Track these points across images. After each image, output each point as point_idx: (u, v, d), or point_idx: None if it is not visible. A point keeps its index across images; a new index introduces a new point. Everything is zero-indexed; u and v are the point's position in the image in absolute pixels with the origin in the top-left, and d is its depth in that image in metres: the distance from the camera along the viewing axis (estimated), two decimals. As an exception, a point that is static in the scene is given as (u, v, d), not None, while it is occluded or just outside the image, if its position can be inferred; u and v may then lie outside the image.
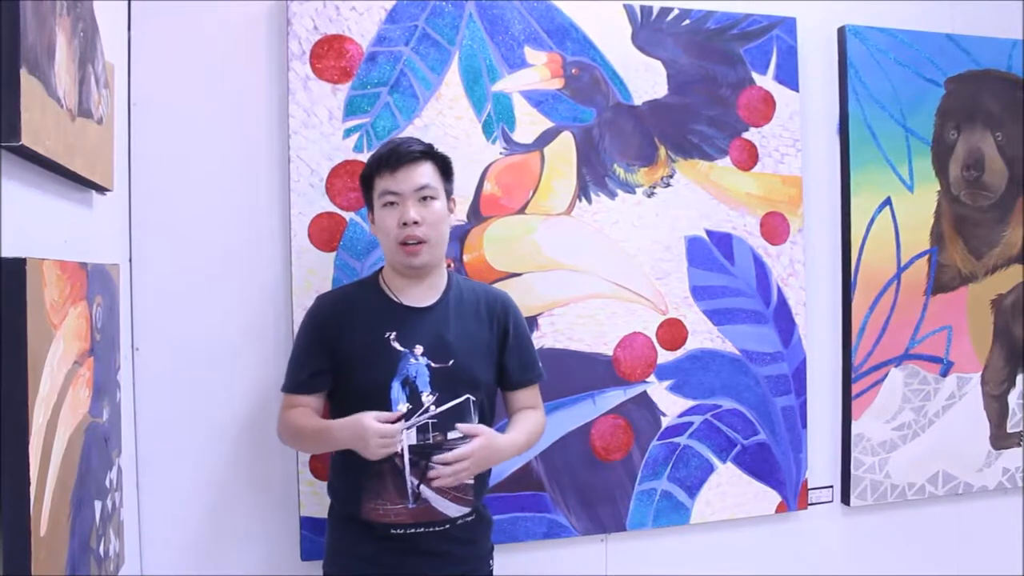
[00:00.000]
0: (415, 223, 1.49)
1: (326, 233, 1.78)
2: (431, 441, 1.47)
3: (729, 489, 2.08)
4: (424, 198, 1.51)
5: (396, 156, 1.51)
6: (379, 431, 1.40)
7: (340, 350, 1.52)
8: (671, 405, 2.03)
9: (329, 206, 1.78)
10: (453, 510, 1.50)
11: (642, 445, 2.01)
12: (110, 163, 1.38)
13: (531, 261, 1.91)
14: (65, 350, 1.01)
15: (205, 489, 1.75)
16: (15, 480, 0.86)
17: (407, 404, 1.48)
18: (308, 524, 1.76)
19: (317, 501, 1.77)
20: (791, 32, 2.13)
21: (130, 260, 1.70)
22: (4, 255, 0.86)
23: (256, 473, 1.78)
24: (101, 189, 1.35)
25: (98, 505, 1.19)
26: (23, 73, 0.86)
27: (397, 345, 1.50)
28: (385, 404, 1.47)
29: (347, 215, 1.79)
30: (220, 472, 1.76)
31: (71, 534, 1.03)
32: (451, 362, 1.51)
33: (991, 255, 2.32)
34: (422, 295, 1.56)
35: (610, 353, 1.98)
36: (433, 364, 1.50)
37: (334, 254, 1.78)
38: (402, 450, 1.45)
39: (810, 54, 2.18)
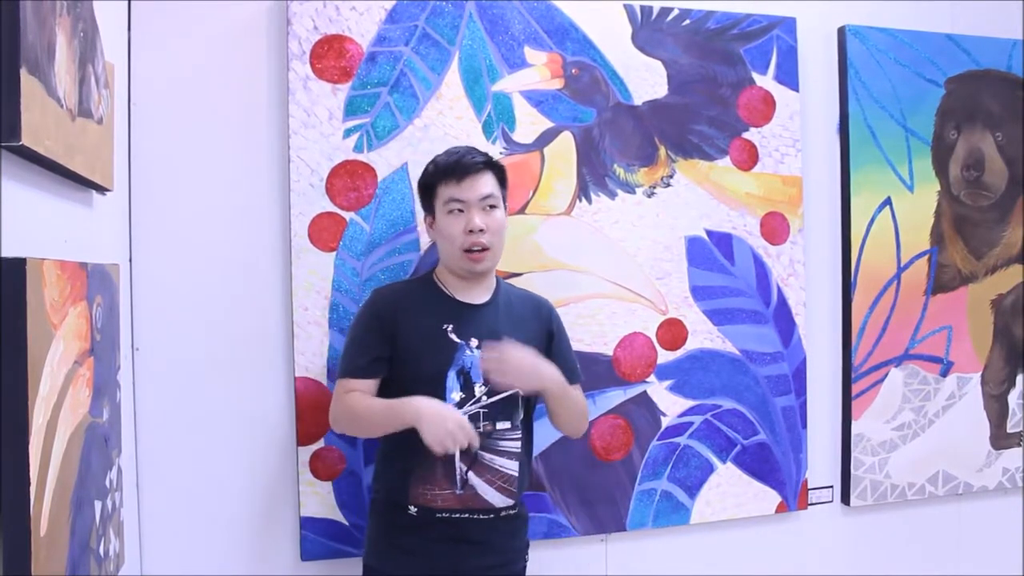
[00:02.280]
0: (480, 231, 1.56)
1: (326, 233, 1.78)
2: (481, 430, 1.54)
3: (729, 489, 2.08)
4: (488, 207, 1.58)
5: (462, 167, 1.58)
6: (461, 420, 1.47)
7: (399, 338, 1.58)
8: (671, 405, 2.03)
9: (329, 206, 1.78)
10: (498, 500, 1.56)
11: (642, 445, 2.01)
12: (110, 163, 1.38)
13: (531, 261, 1.91)
14: (65, 350, 1.01)
15: (205, 489, 1.75)
16: (15, 480, 0.86)
17: (460, 393, 1.55)
18: (308, 524, 1.76)
19: (317, 501, 1.77)
20: (791, 32, 2.13)
21: (130, 260, 1.70)
22: (4, 255, 0.86)
23: (256, 473, 1.78)
24: (101, 189, 1.35)
25: (98, 505, 1.19)
26: (23, 73, 0.86)
27: (454, 337, 1.57)
28: (441, 392, 1.54)
29: (347, 215, 1.79)
30: (220, 472, 1.76)
31: (71, 534, 1.03)
32: None
33: (991, 255, 2.32)
34: (476, 294, 1.64)
35: (610, 353, 1.98)
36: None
37: (334, 254, 1.78)
38: None
39: (810, 54, 2.18)
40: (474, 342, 1.57)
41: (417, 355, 1.57)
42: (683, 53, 2.04)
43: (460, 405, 1.54)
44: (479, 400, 1.55)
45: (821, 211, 2.21)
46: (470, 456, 1.53)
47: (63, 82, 1.03)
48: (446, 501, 1.54)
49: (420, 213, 1.74)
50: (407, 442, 1.51)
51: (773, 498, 2.12)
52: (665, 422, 2.03)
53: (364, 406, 1.56)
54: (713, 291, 2.06)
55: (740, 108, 2.09)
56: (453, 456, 1.52)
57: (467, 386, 1.56)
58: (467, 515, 1.55)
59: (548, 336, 1.68)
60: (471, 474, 1.54)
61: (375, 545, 1.63)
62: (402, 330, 1.58)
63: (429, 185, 1.62)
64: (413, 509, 1.55)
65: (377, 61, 1.81)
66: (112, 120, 1.41)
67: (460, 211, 1.57)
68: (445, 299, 1.62)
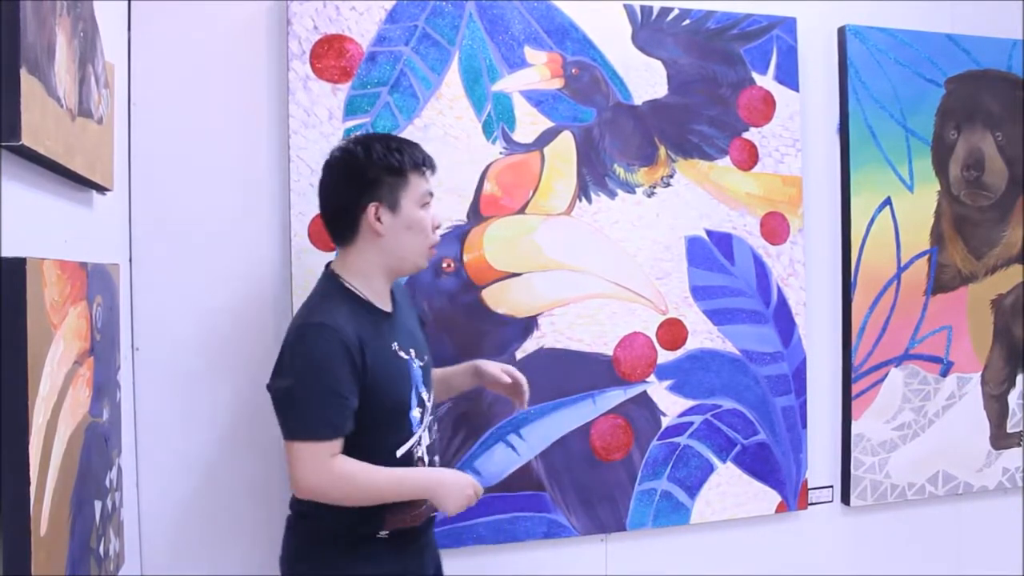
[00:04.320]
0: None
1: (326, 233, 1.77)
2: (436, 438, 1.54)
3: (729, 489, 2.08)
4: None
5: (431, 161, 1.50)
6: (473, 482, 1.44)
7: (367, 373, 1.38)
8: (671, 405, 2.03)
9: (329, 206, 1.78)
10: None
11: (642, 445, 2.00)
12: (110, 163, 1.38)
13: (531, 261, 1.91)
14: (65, 350, 1.02)
15: (205, 489, 1.75)
16: (15, 480, 0.86)
17: (419, 408, 1.48)
18: (308, 524, 1.76)
19: (317, 501, 1.77)
20: (791, 32, 2.13)
21: (130, 260, 1.70)
22: (4, 255, 0.86)
23: (256, 473, 1.78)
24: (101, 189, 1.35)
25: (98, 505, 1.19)
26: (23, 73, 0.87)
27: (402, 353, 1.46)
28: (407, 415, 1.45)
29: (347, 215, 1.79)
30: (220, 472, 1.76)
31: (71, 534, 1.03)
32: (426, 357, 1.53)
33: (991, 255, 2.32)
34: (387, 299, 1.50)
35: (610, 353, 1.98)
36: (420, 363, 1.50)
37: (334, 255, 1.78)
38: (423, 453, 1.48)
39: (810, 54, 2.18)
40: (412, 352, 1.47)
41: (386, 385, 1.41)
42: (683, 53, 2.04)
43: (421, 420, 1.47)
44: (429, 409, 1.51)
45: (821, 211, 2.21)
46: (435, 467, 1.54)
47: (63, 82, 1.04)
48: (417, 517, 1.48)
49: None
50: None
51: (773, 498, 2.12)
52: (665, 422, 2.02)
53: (366, 479, 1.37)
54: (713, 291, 2.06)
55: (740, 108, 2.09)
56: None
57: (420, 401, 1.48)
58: (431, 517, 1.54)
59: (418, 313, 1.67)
60: None
61: (328, 569, 1.44)
62: (368, 362, 1.38)
63: (399, 172, 1.44)
64: (384, 533, 1.44)
65: (377, 61, 1.81)
66: (112, 120, 1.41)
67: (428, 205, 1.48)
68: (378, 313, 1.45)
